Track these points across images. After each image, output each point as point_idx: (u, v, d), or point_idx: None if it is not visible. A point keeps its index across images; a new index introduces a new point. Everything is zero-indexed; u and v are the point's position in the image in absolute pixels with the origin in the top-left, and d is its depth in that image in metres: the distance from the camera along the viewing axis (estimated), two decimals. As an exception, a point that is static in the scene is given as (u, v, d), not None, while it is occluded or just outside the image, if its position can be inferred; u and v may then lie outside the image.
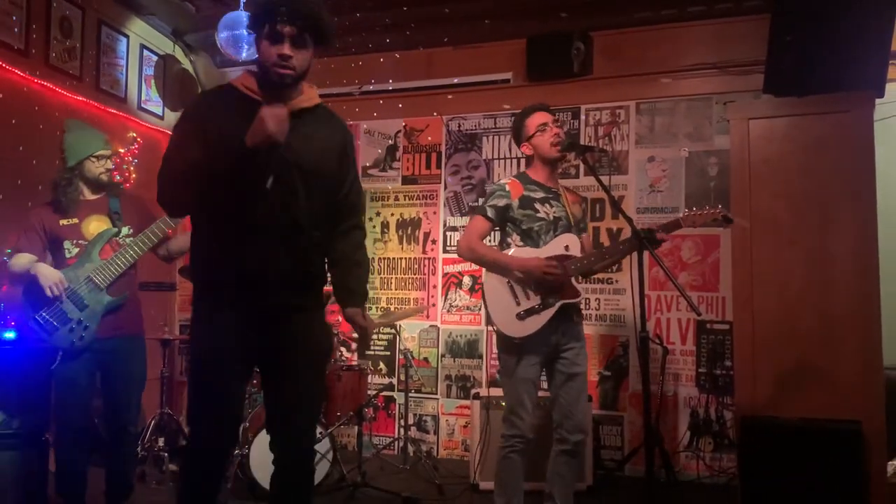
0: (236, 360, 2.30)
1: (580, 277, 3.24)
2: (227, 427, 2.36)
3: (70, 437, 3.27)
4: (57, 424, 3.31)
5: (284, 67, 2.16)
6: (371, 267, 5.52)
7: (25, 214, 3.41)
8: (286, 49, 2.14)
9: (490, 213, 3.18)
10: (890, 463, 3.74)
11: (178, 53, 5.74)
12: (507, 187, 3.19)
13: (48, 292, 3.11)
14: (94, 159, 3.34)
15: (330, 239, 2.44)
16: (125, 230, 3.35)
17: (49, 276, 3.14)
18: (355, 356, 5.38)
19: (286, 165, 2.21)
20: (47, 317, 3.17)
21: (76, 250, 3.28)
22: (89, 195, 3.38)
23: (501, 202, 3.17)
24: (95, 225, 3.32)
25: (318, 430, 3.83)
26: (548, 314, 3.06)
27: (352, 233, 2.51)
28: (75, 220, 3.30)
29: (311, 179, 2.27)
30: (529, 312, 3.07)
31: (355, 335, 2.54)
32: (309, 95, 2.32)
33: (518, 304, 3.08)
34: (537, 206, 3.16)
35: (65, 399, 3.25)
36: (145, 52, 5.48)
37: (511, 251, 3.16)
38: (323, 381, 2.74)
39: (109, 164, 3.38)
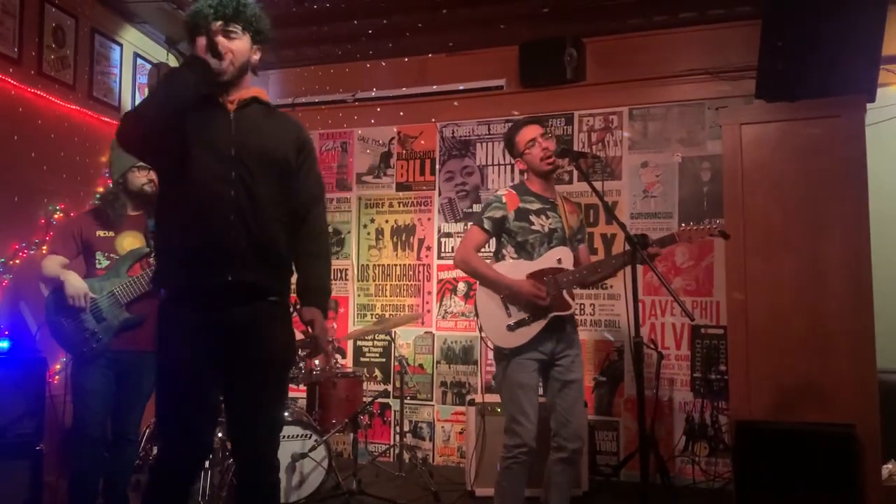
0: (197, 358, 2.21)
1: (575, 288, 3.22)
2: (193, 430, 2.26)
3: (90, 448, 3.23)
4: (77, 436, 3.25)
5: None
6: (366, 273, 5.53)
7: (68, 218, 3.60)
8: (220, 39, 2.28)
9: (487, 224, 3.17)
10: (884, 466, 3.75)
11: (172, 61, 5.73)
12: (504, 199, 3.18)
13: (70, 302, 3.14)
14: (135, 170, 3.35)
15: (292, 229, 2.42)
16: None
17: (75, 286, 3.16)
18: (349, 363, 5.37)
19: (238, 144, 2.29)
20: (64, 323, 3.19)
21: (107, 262, 3.30)
22: (132, 211, 3.40)
23: (498, 214, 3.16)
24: (129, 241, 3.35)
25: (314, 437, 3.83)
26: (538, 325, 3.05)
27: (310, 221, 2.46)
28: (111, 234, 3.33)
29: (263, 161, 2.32)
30: (520, 324, 3.06)
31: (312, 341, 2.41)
32: (257, 91, 2.44)
33: (509, 315, 3.07)
34: (532, 217, 3.14)
35: (86, 408, 3.21)
36: (139, 61, 5.47)
37: (506, 263, 3.15)
38: (285, 384, 2.52)
39: (152, 175, 3.33)
